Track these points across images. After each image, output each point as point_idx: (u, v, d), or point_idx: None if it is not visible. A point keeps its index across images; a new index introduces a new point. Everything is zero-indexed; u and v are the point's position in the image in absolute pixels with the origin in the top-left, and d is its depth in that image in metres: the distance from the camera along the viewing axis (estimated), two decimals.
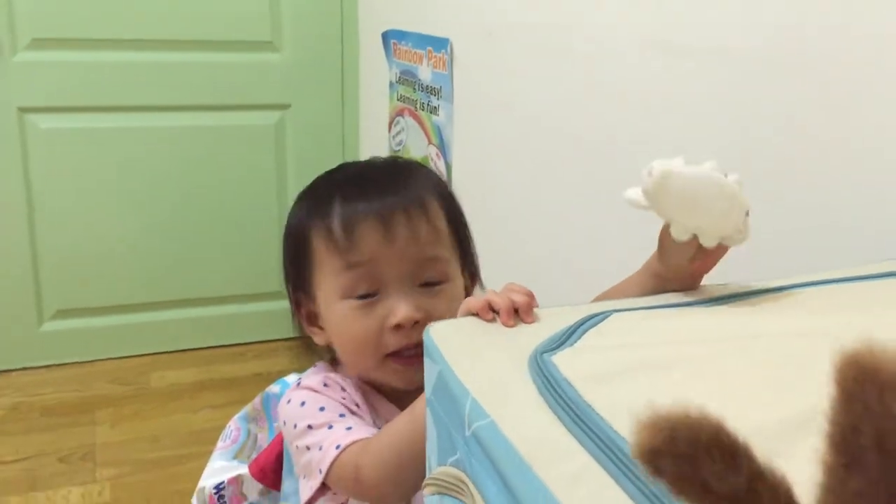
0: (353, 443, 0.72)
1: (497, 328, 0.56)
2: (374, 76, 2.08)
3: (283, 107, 2.23)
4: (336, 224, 0.78)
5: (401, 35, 1.86)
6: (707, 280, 0.64)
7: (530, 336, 0.54)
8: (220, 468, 1.17)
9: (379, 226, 0.77)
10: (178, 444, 1.83)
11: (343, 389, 0.81)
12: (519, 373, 0.50)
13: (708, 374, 0.46)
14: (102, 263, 2.14)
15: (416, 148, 1.83)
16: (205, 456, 1.71)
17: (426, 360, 0.55)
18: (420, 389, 0.69)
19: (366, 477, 0.69)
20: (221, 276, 2.25)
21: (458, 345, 0.54)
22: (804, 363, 0.44)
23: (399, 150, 1.94)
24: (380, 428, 0.78)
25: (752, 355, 0.47)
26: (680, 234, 0.58)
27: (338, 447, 0.71)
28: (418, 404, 0.66)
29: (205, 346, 2.27)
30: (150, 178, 2.14)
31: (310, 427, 0.75)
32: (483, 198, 1.57)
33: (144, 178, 2.14)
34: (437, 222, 0.81)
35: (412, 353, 0.76)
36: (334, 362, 0.86)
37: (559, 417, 0.46)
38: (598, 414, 0.45)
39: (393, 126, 1.97)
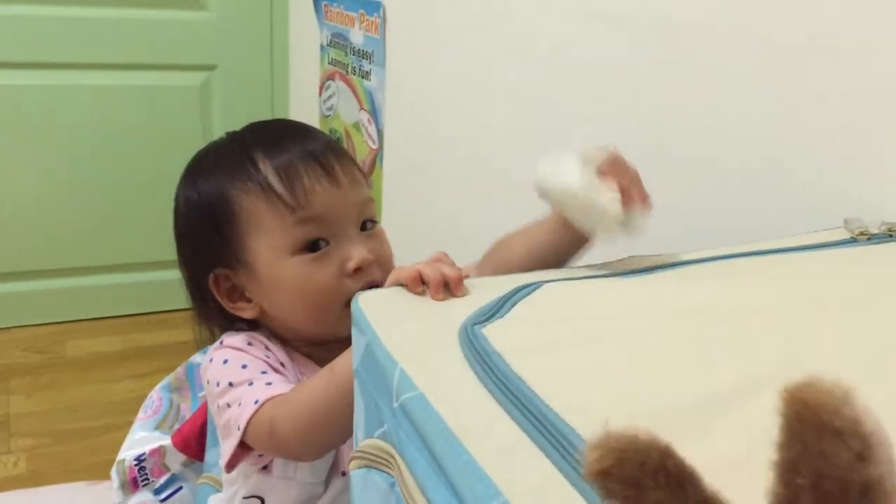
0: (272, 398, 0.70)
1: (426, 299, 0.55)
2: (305, 38, 2.02)
3: (210, 67, 2.16)
4: (273, 179, 0.75)
5: None
6: (637, 250, 0.64)
7: (461, 308, 0.53)
8: (141, 439, 1.14)
9: (321, 172, 0.76)
10: (97, 414, 1.78)
11: (267, 349, 0.79)
12: (449, 344, 0.49)
13: (638, 347, 0.45)
14: (15, 226, 2.05)
15: (348, 113, 1.80)
16: (126, 427, 1.66)
17: (354, 331, 0.53)
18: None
19: (279, 431, 0.68)
20: (142, 242, 2.18)
21: (386, 315, 0.52)
22: (735, 339, 0.44)
23: (330, 115, 1.90)
24: None
25: (683, 329, 0.46)
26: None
27: (256, 402, 0.70)
28: (338, 363, 0.65)
29: (124, 314, 2.20)
30: (68, 138, 2.05)
31: (231, 384, 0.74)
32: (416, 164, 1.55)
33: (62, 139, 2.05)
34: (359, 168, 0.82)
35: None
36: (252, 327, 0.83)
37: (489, 390, 0.45)
38: (528, 387, 0.44)
39: (324, 90, 1.93)
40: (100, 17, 2.00)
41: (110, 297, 2.20)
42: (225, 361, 0.76)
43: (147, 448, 1.11)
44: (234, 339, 0.79)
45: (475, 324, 0.51)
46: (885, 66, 0.70)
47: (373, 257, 0.76)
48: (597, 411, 0.42)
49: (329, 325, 0.76)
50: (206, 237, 0.80)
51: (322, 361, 0.78)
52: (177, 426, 1.13)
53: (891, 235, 0.63)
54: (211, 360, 0.78)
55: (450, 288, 0.55)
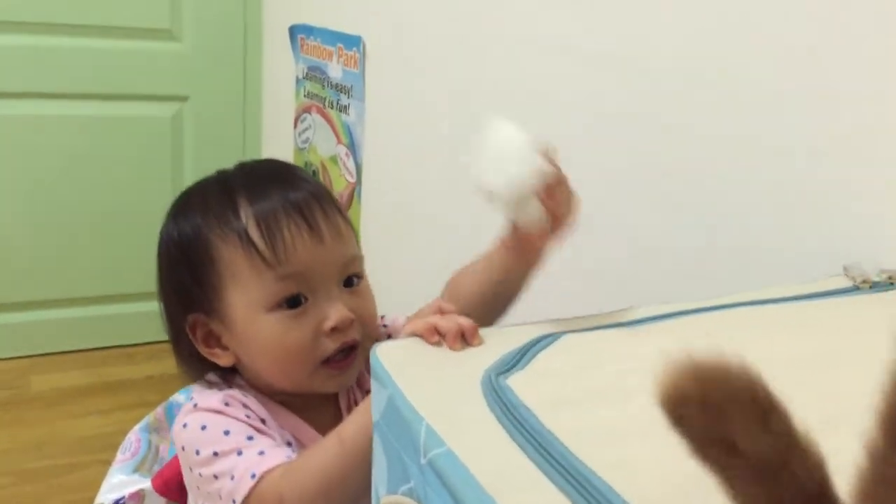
0: (270, 470, 0.66)
1: (443, 350, 0.55)
2: (279, 71, 2.02)
3: (182, 98, 2.14)
4: (254, 230, 0.72)
5: (308, 30, 1.81)
6: (633, 295, 0.64)
7: (479, 357, 0.53)
8: (120, 483, 1.11)
9: (304, 225, 0.73)
10: (64, 452, 1.73)
11: (245, 406, 0.74)
12: (473, 397, 0.49)
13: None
14: None
15: (325, 147, 1.79)
16: (94, 465, 1.63)
17: (374, 383, 0.52)
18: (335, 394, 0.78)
19: None
20: (109, 274, 2.14)
21: (407, 367, 0.52)
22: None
23: (305, 149, 1.89)
24: (291, 444, 0.74)
25: None
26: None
27: (253, 476, 0.66)
28: (345, 431, 0.63)
29: (90, 347, 2.16)
30: (36, 168, 2.01)
31: (216, 454, 0.69)
32: (394, 199, 1.55)
33: (30, 169, 2.01)
34: (346, 219, 0.79)
35: (345, 356, 0.74)
36: (224, 376, 0.79)
37: (520, 446, 0.45)
38: (561, 443, 0.44)
39: (299, 123, 1.92)
40: (71, 47, 1.97)
41: (76, 331, 2.15)
42: (203, 427, 0.71)
43: (126, 492, 1.08)
44: (208, 399, 0.74)
45: (498, 374, 0.50)
46: (876, 114, 0.71)
47: (352, 317, 0.73)
48: (634, 467, 0.42)
49: (300, 383, 0.75)
50: (184, 280, 0.77)
51: (300, 410, 0.77)
52: (157, 468, 1.11)
53: (892, 283, 0.64)
54: (185, 426, 0.72)
55: (466, 338, 0.55)
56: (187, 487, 0.77)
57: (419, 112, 1.43)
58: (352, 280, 0.76)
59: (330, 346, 0.73)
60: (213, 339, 0.77)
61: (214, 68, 2.14)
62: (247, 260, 0.72)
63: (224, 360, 0.77)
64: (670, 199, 0.92)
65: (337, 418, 0.75)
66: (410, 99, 1.46)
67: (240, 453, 0.68)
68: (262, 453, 0.68)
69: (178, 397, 1.12)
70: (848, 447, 0.39)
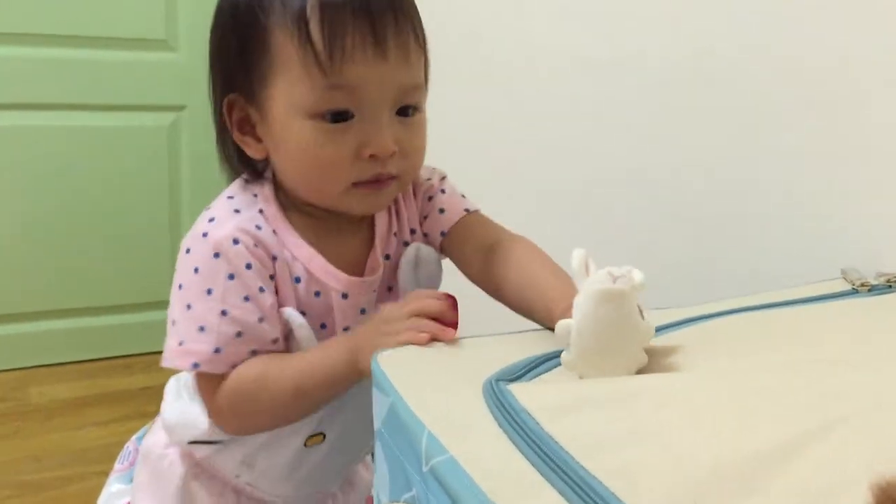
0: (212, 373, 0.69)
1: (447, 354, 0.55)
2: None
3: (178, 108, 2.14)
4: (315, 27, 0.65)
5: None
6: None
7: (482, 365, 0.53)
8: (118, 492, 1.11)
9: (370, 39, 0.65)
10: (62, 464, 1.72)
11: (256, 246, 0.70)
12: (476, 403, 0.49)
13: (673, 405, 0.45)
14: None
15: None
16: (92, 477, 1.63)
17: (375, 391, 0.52)
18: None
19: (222, 400, 0.70)
20: (107, 285, 2.14)
21: (409, 375, 0.52)
22: (768, 395, 0.44)
23: None
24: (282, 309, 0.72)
25: (716, 386, 0.47)
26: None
27: (195, 366, 0.68)
28: (306, 378, 0.68)
29: (88, 358, 2.15)
30: (33, 179, 2.01)
31: (189, 307, 0.69)
32: None
33: (26, 180, 2.00)
34: (420, 38, 0.71)
35: (378, 181, 0.70)
36: (255, 177, 0.76)
37: (521, 451, 0.45)
38: (563, 448, 0.44)
39: None
40: (70, 59, 1.97)
41: (74, 342, 2.14)
42: (196, 270, 0.69)
43: (124, 500, 1.08)
44: (219, 230, 0.70)
45: (500, 380, 0.50)
46: (873, 117, 0.72)
47: (395, 149, 0.68)
48: (636, 474, 0.42)
49: (329, 199, 0.71)
50: (232, 55, 0.71)
51: (326, 230, 0.74)
52: None
53: (890, 286, 0.64)
54: (188, 252, 0.71)
55: (444, 320, 0.59)
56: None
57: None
58: (407, 110, 0.70)
59: (365, 171, 0.68)
60: (248, 126, 0.72)
61: None
62: (300, 57, 0.66)
63: (254, 150, 0.73)
64: (666, 204, 0.92)
65: (368, 244, 0.77)
66: None
67: (202, 329, 0.69)
68: (217, 351, 0.68)
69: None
70: (850, 447, 0.39)
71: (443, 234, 0.80)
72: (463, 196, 0.82)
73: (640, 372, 0.52)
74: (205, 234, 0.70)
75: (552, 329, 0.58)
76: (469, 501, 0.43)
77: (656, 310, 0.62)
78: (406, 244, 0.79)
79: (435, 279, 0.81)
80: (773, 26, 0.79)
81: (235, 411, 0.71)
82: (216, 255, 0.69)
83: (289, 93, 0.67)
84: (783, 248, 0.80)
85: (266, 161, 0.74)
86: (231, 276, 0.69)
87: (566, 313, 0.58)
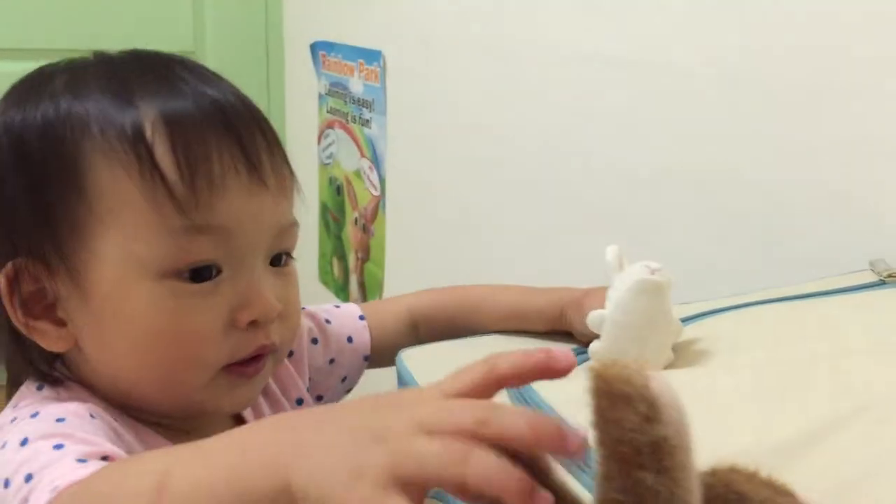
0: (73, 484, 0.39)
1: (470, 351, 0.55)
2: (302, 88, 2.04)
3: None
4: (163, 151, 0.47)
5: (330, 46, 1.84)
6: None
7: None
8: None
9: (241, 162, 0.49)
10: None
11: (93, 417, 0.48)
12: (498, 398, 0.49)
13: (698, 396, 0.46)
14: None
15: (348, 161, 1.81)
16: None
17: (399, 388, 0.53)
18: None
19: None
20: None
21: (433, 372, 0.52)
22: (796, 385, 0.44)
23: (329, 164, 1.91)
24: None
25: (741, 376, 0.47)
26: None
27: (54, 489, 0.39)
28: (174, 475, 0.34)
29: None
30: None
31: (29, 478, 0.41)
32: (419, 211, 1.56)
33: None
34: (286, 157, 0.55)
35: (255, 360, 0.52)
36: (54, 383, 0.52)
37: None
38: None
39: (323, 139, 1.94)
40: None
41: None
42: (24, 442, 0.44)
43: None
44: (58, 409, 0.47)
45: None
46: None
47: (279, 308, 0.51)
48: None
49: (185, 396, 0.51)
50: (19, 202, 0.49)
51: (174, 436, 0.52)
52: None
53: None
54: (3, 447, 0.45)
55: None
56: None
57: (441, 123, 1.44)
58: (281, 257, 0.53)
59: (244, 345, 0.51)
60: (40, 306, 0.50)
61: (237, 86, 2.16)
62: (143, 193, 0.47)
63: (53, 339, 0.49)
64: (699, 201, 0.92)
65: None
66: (432, 110, 1.47)
67: (59, 447, 0.42)
68: (82, 461, 0.42)
69: None
70: (873, 437, 0.39)
71: (366, 358, 0.66)
72: (336, 307, 0.65)
73: (666, 369, 0.53)
74: (35, 415, 0.47)
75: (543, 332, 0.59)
76: None
77: (682, 304, 0.62)
78: None
79: None
80: (810, 16, 0.79)
81: None
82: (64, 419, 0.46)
83: (124, 246, 0.47)
84: (811, 241, 0.79)
85: (60, 358, 0.51)
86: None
87: (572, 308, 0.59)
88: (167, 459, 0.36)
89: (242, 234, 0.49)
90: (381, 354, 0.64)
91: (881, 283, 0.63)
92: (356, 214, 1.79)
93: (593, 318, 0.52)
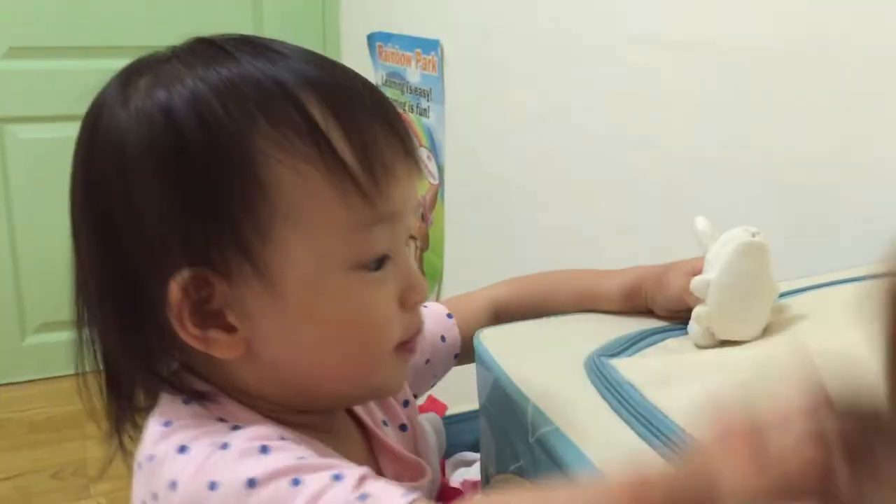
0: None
1: (548, 330, 0.56)
2: None
3: None
4: (341, 142, 0.45)
5: (387, 37, 1.85)
6: None
7: (582, 342, 0.54)
8: None
9: (401, 149, 0.48)
10: None
11: (283, 439, 0.45)
12: (577, 376, 0.50)
13: (774, 373, 0.46)
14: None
15: None
16: None
17: (479, 368, 0.54)
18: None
19: None
20: None
21: (511, 352, 0.54)
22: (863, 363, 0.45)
23: None
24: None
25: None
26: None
27: None
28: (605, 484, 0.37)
29: None
30: None
31: (296, 481, 0.39)
32: (477, 200, 1.57)
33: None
34: None
35: (411, 341, 0.52)
36: (198, 397, 0.48)
37: (625, 420, 0.46)
38: (665, 415, 0.45)
39: None
40: None
41: None
42: (251, 483, 0.40)
43: None
44: (247, 434, 0.44)
45: (601, 355, 0.52)
46: None
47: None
48: None
49: (371, 380, 0.51)
50: (194, 200, 0.45)
51: (322, 437, 0.49)
52: None
53: None
54: (213, 488, 0.40)
55: None
56: None
57: (499, 111, 1.45)
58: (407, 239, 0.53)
59: (410, 325, 0.51)
60: (207, 315, 0.46)
61: None
62: (329, 185, 0.45)
63: (227, 348, 0.46)
64: (766, 182, 0.91)
65: (365, 448, 0.54)
66: (489, 98, 1.48)
67: (338, 478, 0.40)
68: (378, 483, 0.40)
69: None
70: None
71: (456, 356, 0.66)
72: (424, 306, 0.57)
73: (765, 330, 0.53)
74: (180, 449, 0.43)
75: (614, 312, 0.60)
76: (577, 468, 0.45)
77: None
78: (403, 428, 0.58)
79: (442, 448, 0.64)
80: (855, 15, 0.78)
81: None
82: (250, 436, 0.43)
83: (316, 241, 0.46)
84: (879, 223, 0.78)
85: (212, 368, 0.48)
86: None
87: (651, 284, 0.59)
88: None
89: (404, 219, 0.49)
90: (468, 350, 0.62)
91: None
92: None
93: (698, 284, 0.53)
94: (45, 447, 1.84)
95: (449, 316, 0.66)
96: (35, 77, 1.96)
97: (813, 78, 0.83)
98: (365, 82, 0.50)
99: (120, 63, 0.53)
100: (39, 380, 2.09)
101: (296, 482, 0.39)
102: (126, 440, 0.52)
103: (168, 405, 0.47)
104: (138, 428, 0.50)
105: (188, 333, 0.45)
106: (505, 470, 0.51)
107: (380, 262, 0.47)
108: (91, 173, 0.47)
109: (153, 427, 0.46)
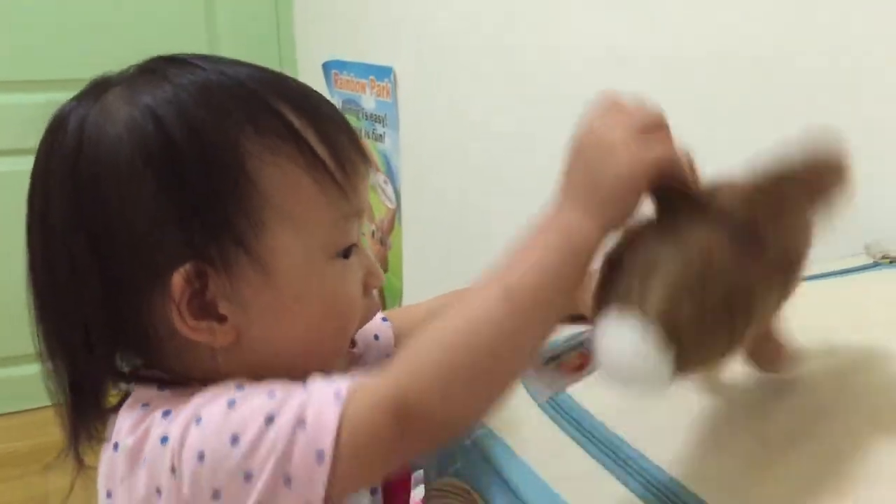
0: (362, 383, 0.43)
1: None
2: None
3: None
4: (317, 145, 0.51)
5: (342, 65, 1.88)
6: None
7: None
8: None
9: (359, 151, 0.54)
10: None
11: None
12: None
13: None
14: None
15: None
16: None
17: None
18: None
19: (416, 401, 0.41)
20: None
21: None
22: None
23: None
24: None
25: None
26: None
27: (337, 395, 0.42)
28: (509, 276, 0.45)
29: None
30: None
31: (270, 419, 0.43)
32: (435, 222, 1.60)
33: None
34: None
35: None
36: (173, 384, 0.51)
37: (555, 422, 0.49)
38: (587, 411, 0.48)
39: None
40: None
41: None
42: (231, 403, 0.44)
43: None
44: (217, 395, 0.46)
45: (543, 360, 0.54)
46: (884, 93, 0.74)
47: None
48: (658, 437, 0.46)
49: (331, 362, 0.54)
50: (190, 200, 0.49)
51: None
52: None
53: None
54: (199, 422, 0.44)
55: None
56: None
57: (453, 133, 1.48)
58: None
59: (371, 308, 0.57)
60: (199, 306, 0.49)
61: None
62: (313, 183, 0.51)
63: (221, 336, 0.50)
64: None
65: None
66: (443, 122, 1.51)
67: (295, 398, 0.44)
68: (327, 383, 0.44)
69: None
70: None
71: (388, 356, 0.68)
72: None
73: None
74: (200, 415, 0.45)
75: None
76: (503, 461, 0.48)
77: None
78: None
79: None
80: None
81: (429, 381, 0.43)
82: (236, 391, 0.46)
83: (304, 233, 0.51)
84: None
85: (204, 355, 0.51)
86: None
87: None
88: (490, 279, 0.45)
89: (363, 213, 0.55)
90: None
91: (875, 266, 0.66)
92: (373, 227, 1.83)
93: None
94: (6, 483, 1.82)
95: (384, 319, 0.69)
96: (12, 110, 1.97)
97: (783, 86, 0.87)
98: (322, 96, 0.55)
99: (66, 95, 0.56)
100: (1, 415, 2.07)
101: (271, 393, 0.44)
102: (82, 460, 0.55)
103: (142, 393, 0.49)
104: (93, 439, 0.53)
105: (187, 325, 0.48)
106: (444, 473, 0.53)
107: (348, 251, 0.53)
108: (77, 186, 0.49)
109: (129, 414, 0.48)
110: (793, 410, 0.45)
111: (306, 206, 0.51)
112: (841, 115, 0.78)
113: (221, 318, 0.50)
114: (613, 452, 0.45)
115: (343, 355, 0.55)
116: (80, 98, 0.53)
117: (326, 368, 0.52)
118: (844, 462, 0.40)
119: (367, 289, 0.55)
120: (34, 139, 0.53)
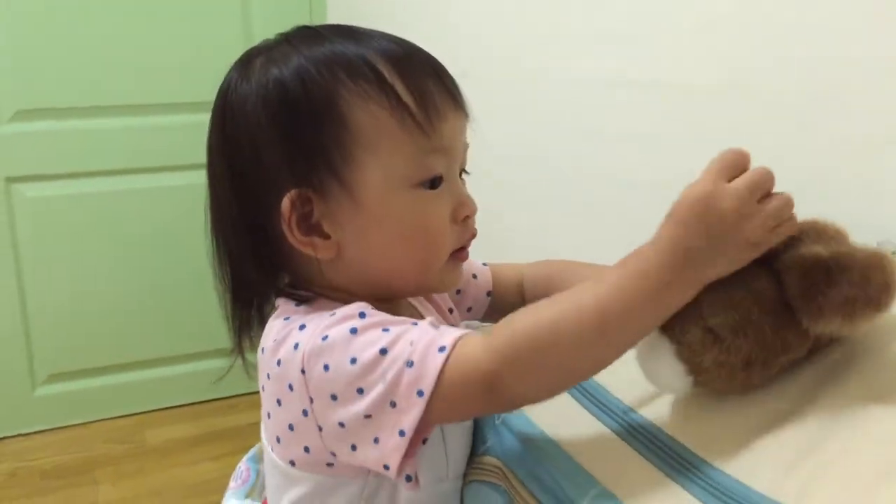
0: (463, 337, 0.53)
1: None
2: None
3: None
4: (403, 91, 0.60)
5: None
6: None
7: None
8: None
9: (448, 96, 0.63)
10: (181, 497, 1.86)
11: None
12: None
13: None
14: (91, 325, 2.16)
15: None
16: None
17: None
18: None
19: (511, 362, 0.51)
20: (207, 332, 2.28)
21: None
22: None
23: None
24: None
25: None
26: None
27: (442, 349, 0.52)
28: (604, 279, 0.52)
29: (196, 401, 2.30)
30: (136, 238, 2.18)
31: (384, 350, 0.53)
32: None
33: (130, 240, 2.18)
34: None
35: (463, 249, 0.66)
36: (304, 301, 0.64)
37: (577, 400, 0.53)
38: (610, 393, 0.52)
39: None
40: (162, 125, 2.14)
41: (183, 386, 2.29)
42: (353, 330, 0.55)
43: None
44: (338, 315, 0.58)
45: None
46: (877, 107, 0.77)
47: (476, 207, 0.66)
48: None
49: (430, 277, 0.64)
50: (300, 141, 0.61)
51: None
52: (265, 494, 1.20)
53: None
54: (325, 338, 0.56)
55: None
56: (304, 439, 0.60)
57: (479, 151, 1.51)
58: (460, 173, 0.67)
59: (463, 235, 0.65)
60: (308, 225, 0.62)
61: None
62: (397, 123, 0.60)
63: (324, 250, 0.62)
64: None
65: None
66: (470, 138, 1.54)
67: (409, 335, 0.54)
68: (435, 327, 0.55)
69: None
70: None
71: (489, 294, 0.80)
72: None
73: None
74: (302, 327, 0.59)
75: None
76: (532, 434, 0.52)
77: None
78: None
79: None
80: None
81: (522, 371, 0.52)
82: (356, 317, 0.58)
83: (384, 167, 0.60)
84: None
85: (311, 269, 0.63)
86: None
87: None
88: (594, 296, 0.52)
89: (454, 151, 0.63)
90: (498, 299, 0.78)
91: None
92: None
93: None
94: (56, 493, 1.89)
95: (484, 264, 0.80)
96: (41, 137, 2.05)
97: (759, 106, 0.90)
98: (427, 53, 0.65)
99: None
100: (49, 430, 2.15)
101: (385, 329, 0.55)
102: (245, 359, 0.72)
103: (285, 308, 0.63)
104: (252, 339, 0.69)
105: (296, 239, 0.61)
106: (476, 452, 0.57)
107: (435, 183, 0.61)
108: (225, 130, 0.63)
109: (276, 322, 0.61)
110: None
111: (389, 143, 0.60)
112: (843, 126, 0.80)
113: (326, 236, 0.61)
114: (637, 431, 0.49)
115: (436, 275, 0.64)
116: (236, 66, 0.65)
117: (421, 285, 0.65)
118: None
119: (456, 218, 0.63)
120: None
